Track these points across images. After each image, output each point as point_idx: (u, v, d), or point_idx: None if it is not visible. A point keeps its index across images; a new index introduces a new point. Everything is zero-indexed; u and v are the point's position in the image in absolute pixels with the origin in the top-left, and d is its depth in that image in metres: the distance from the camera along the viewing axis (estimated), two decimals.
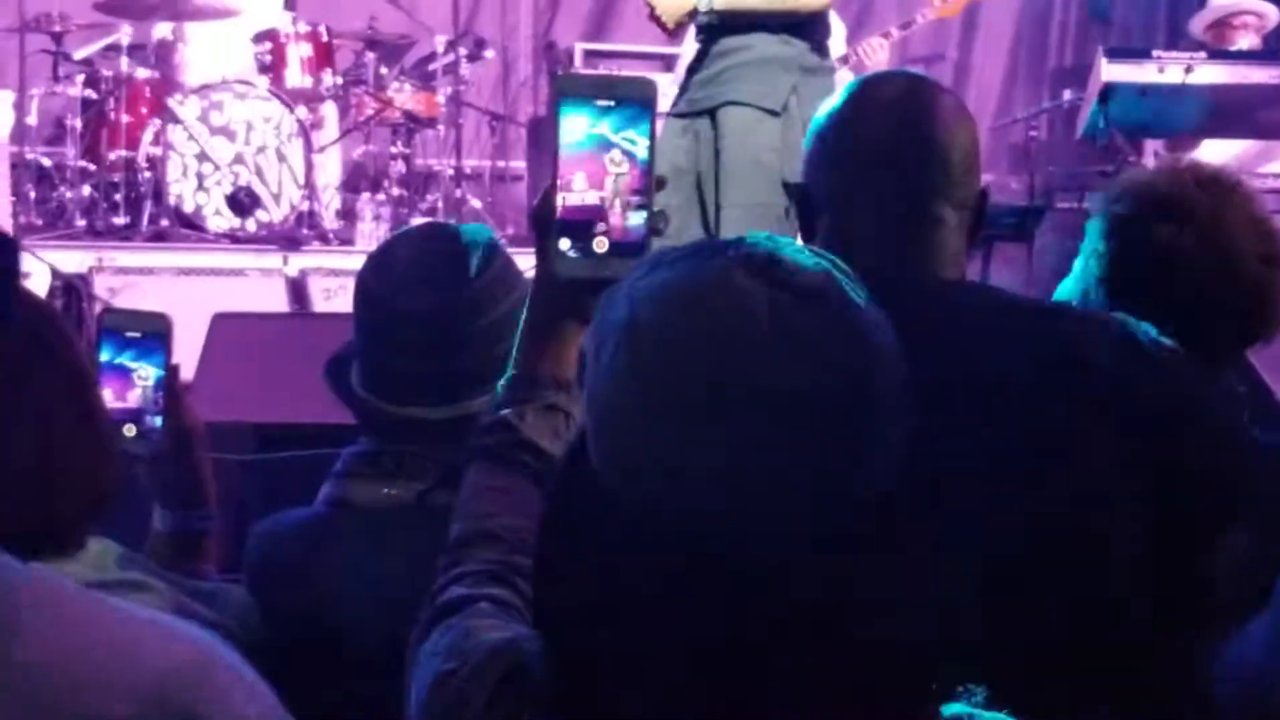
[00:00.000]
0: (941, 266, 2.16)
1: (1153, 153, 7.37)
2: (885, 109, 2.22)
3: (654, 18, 5.52)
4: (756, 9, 5.23)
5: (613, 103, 1.77)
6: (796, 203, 2.26)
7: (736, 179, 5.19)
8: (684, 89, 5.52)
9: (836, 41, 7.76)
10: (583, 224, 1.78)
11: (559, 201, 1.79)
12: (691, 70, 5.52)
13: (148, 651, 1.44)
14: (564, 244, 1.79)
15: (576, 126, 1.77)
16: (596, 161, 1.77)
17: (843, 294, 1.47)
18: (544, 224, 1.82)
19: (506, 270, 2.45)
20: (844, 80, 7.46)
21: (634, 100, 1.78)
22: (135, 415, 2.36)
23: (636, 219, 1.78)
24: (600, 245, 1.78)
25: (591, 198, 1.78)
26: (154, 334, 2.37)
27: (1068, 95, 9.08)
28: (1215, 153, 7.46)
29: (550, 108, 1.84)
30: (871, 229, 2.17)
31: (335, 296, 7.03)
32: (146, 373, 2.37)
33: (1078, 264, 2.68)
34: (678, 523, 1.43)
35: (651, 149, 1.78)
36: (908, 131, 2.19)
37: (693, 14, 5.42)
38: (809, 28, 5.35)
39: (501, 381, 1.95)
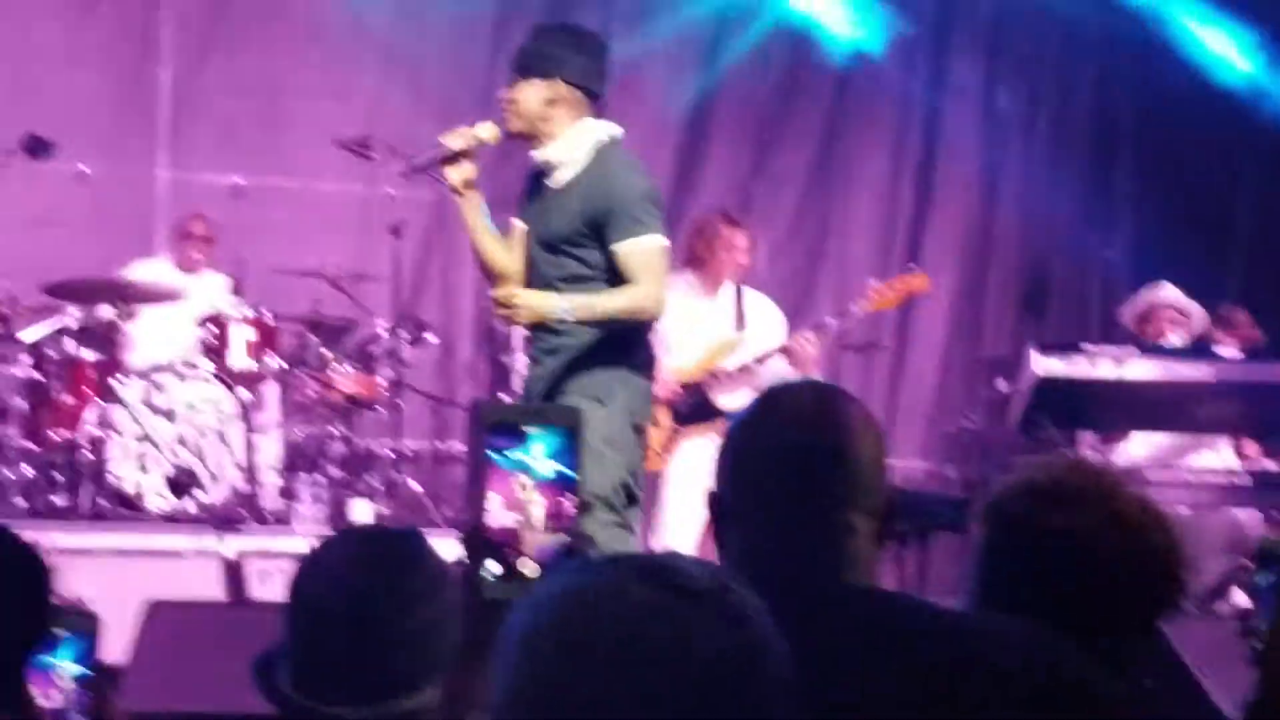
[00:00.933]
0: (853, 573, 2.19)
1: (1087, 445, 7.46)
2: (794, 419, 2.26)
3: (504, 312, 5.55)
4: (605, 319, 5.35)
5: (536, 429, 1.82)
6: (709, 510, 2.30)
7: None
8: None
9: (775, 331, 7.91)
10: (505, 547, 1.82)
11: (484, 525, 1.82)
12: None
13: None
14: (490, 567, 1.83)
15: (499, 453, 1.81)
16: (516, 486, 1.81)
17: (731, 592, 1.53)
18: (472, 548, 1.85)
19: (436, 571, 2.47)
20: (779, 370, 7.62)
21: (556, 427, 1.83)
22: (59, 715, 2.35)
23: (556, 542, 1.82)
24: (526, 567, 1.82)
25: (508, 520, 1.82)
26: (80, 632, 2.38)
27: (1002, 386, 9.22)
28: (1145, 445, 7.57)
29: (477, 432, 1.89)
30: (783, 538, 2.20)
31: (271, 579, 6.99)
32: (71, 672, 2.37)
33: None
34: None
35: (573, 474, 1.82)
36: (817, 442, 2.23)
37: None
38: (637, 328, 5.49)
39: (435, 697, 1.97)
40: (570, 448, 1.86)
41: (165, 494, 7.89)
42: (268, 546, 7.41)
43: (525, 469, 1.85)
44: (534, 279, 5.52)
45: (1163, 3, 11.41)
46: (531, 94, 5.44)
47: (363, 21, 10.50)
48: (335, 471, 8.54)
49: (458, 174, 5.50)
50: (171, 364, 8.12)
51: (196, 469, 7.97)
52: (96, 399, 8.04)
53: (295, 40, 10.43)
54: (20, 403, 8.15)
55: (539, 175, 5.55)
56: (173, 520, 7.82)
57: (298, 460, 8.88)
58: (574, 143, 5.41)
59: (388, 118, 10.04)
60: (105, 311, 8.57)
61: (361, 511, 8.06)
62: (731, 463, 2.30)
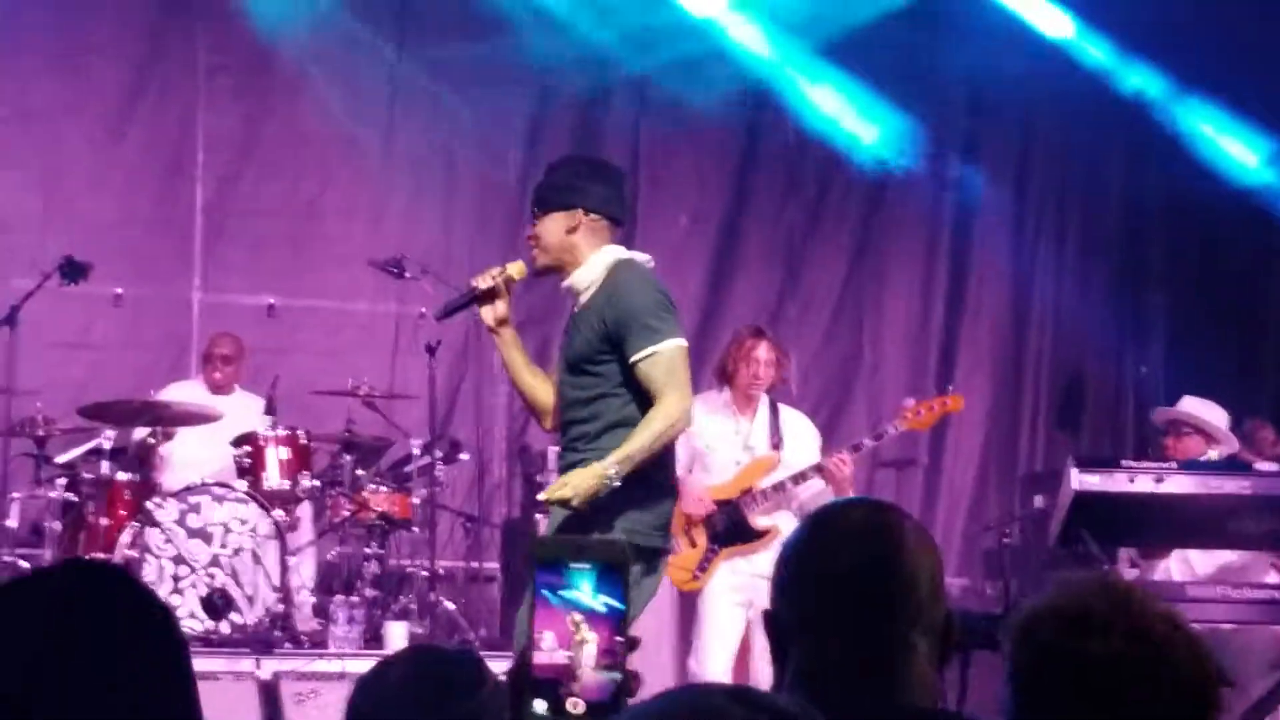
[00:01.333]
0: (914, 693, 2.19)
1: (1128, 561, 7.40)
2: (851, 540, 2.26)
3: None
4: (648, 454, 5.32)
5: (585, 565, 1.80)
6: (767, 629, 2.29)
7: None
8: None
9: (811, 450, 7.87)
10: (554, 684, 1.79)
11: (531, 663, 1.80)
12: None
13: None
14: (538, 705, 1.80)
15: (549, 588, 1.80)
16: (566, 622, 1.79)
17: (814, 715, 1.51)
18: (519, 686, 1.83)
19: (495, 693, 2.46)
20: (815, 489, 7.58)
21: (605, 562, 1.81)
22: None
23: (606, 679, 1.79)
24: (575, 706, 1.79)
25: (560, 657, 1.79)
26: None
27: (1039, 502, 9.16)
28: (1185, 561, 7.49)
29: (527, 568, 1.88)
30: (843, 658, 2.19)
31: (307, 701, 6.95)
32: None
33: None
34: None
35: (623, 610, 1.80)
36: (875, 563, 2.23)
37: None
38: None
39: None
40: (617, 581, 1.84)
41: (200, 616, 7.87)
42: (303, 668, 7.39)
43: (576, 605, 1.82)
44: (560, 402, 5.55)
45: (1186, 115, 11.45)
46: (554, 227, 5.49)
47: (392, 143, 10.58)
48: (370, 591, 8.51)
49: (491, 313, 5.56)
50: (206, 485, 8.13)
51: (231, 590, 7.95)
52: (131, 520, 8.04)
53: (327, 162, 10.51)
54: (55, 524, 8.16)
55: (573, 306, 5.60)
56: (208, 642, 7.79)
57: (332, 580, 8.87)
58: (595, 267, 5.46)
59: (420, 237, 10.11)
60: (140, 433, 8.61)
61: (397, 633, 8.02)
62: (789, 582, 2.29)
